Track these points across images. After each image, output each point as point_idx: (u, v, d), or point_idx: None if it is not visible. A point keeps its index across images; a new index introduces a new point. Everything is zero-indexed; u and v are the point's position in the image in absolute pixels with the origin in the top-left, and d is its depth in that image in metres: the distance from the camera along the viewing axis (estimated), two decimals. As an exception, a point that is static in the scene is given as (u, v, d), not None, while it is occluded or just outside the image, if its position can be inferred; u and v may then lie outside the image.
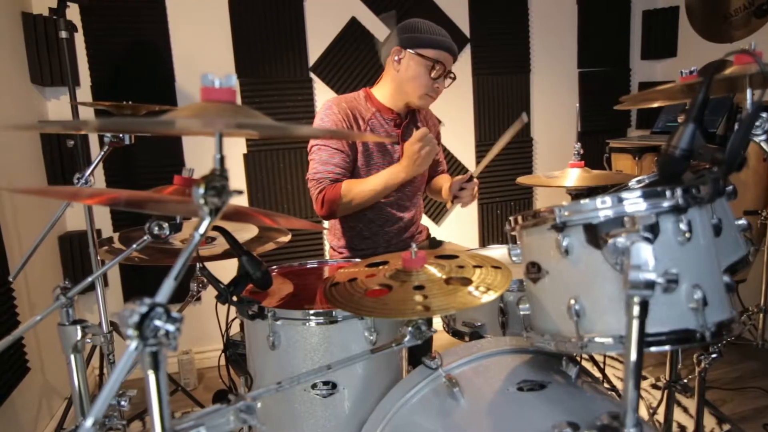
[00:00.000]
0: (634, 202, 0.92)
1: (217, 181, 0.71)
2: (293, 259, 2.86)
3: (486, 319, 1.42)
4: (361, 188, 1.78)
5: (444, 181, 2.16)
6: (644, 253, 0.77)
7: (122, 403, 1.20)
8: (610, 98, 3.44)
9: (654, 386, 2.47)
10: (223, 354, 1.53)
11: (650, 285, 0.75)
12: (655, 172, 2.65)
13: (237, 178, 2.79)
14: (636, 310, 0.77)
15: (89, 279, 1.03)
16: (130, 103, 1.61)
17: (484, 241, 3.40)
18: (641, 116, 3.61)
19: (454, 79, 1.90)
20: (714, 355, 1.51)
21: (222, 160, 0.73)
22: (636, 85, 3.58)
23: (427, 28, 1.85)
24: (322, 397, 1.23)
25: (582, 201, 0.96)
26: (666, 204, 0.90)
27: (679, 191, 0.91)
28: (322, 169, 1.80)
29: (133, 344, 0.65)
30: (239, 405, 0.78)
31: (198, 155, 2.78)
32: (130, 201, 1.12)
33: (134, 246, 1.06)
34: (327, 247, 3.05)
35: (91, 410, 0.63)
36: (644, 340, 0.79)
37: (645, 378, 2.54)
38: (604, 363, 2.19)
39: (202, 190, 0.70)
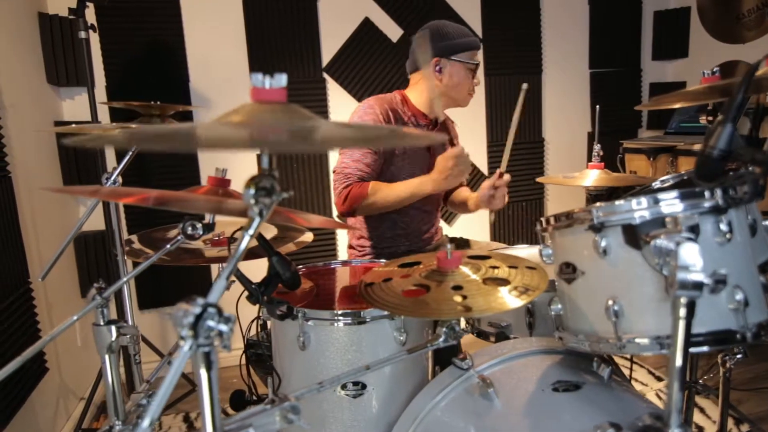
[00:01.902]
0: (670, 203, 0.92)
1: (266, 181, 0.71)
2: (305, 259, 2.87)
3: (512, 319, 1.42)
4: (387, 193, 1.77)
5: (466, 193, 2.15)
6: (692, 253, 0.76)
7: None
8: (622, 99, 3.47)
9: (670, 387, 2.46)
10: (243, 354, 1.54)
11: (698, 286, 0.75)
12: (672, 172, 2.64)
13: (250, 179, 2.79)
14: (683, 311, 0.77)
15: (125, 279, 1.03)
16: (158, 103, 1.61)
17: (495, 238, 3.40)
18: (652, 117, 3.61)
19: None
20: (739, 356, 1.51)
21: (271, 159, 0.73)
22: (647, 86, 3.58)
23: (457, 31, 1.88)
24: (352, 397, 1.23)
25: (617, 202, 0.96)
26: (707, 204, 0.90)
27: (719, 192, 0.91)
28: (352, 164, 1.79)
29: (187, 345, 0.65)
30: (285, 405, 0.78)
31: (210, 153, 2.78)
32: (160, 200, 1.12)
33: (168, 246, 1.06)
34: (340, 248, 3.07)
35: (148, 411, 0.63)
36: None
37: (660, 379, 2.54)
38: (632, 368, 2.19)
39: (252, 191, 0.70)
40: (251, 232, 0.72)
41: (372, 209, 1.80)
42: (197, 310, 0.65)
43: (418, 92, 1.93)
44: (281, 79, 0.70)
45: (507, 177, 1.87)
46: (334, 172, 1.86)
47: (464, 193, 2.17)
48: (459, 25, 1.91)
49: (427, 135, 1.86)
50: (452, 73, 1.87)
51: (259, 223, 0.72)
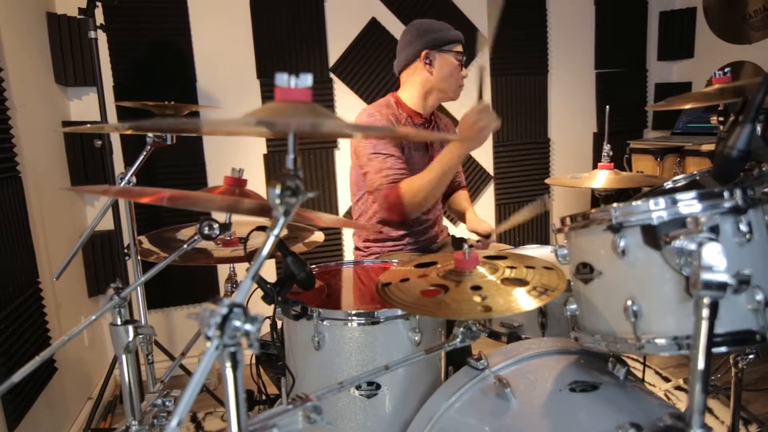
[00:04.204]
0: (689, 204, 0.92)
1: (291, 181, 0.71)
2: (311, 259, 2.86)
3: (524, 319, 1.42)
4: (422, 180, 1.71)
5: (463, 200, 2.22)
6: (716, 254, 0.76)
7: (167, 403, 1.20)
8: (627, 99, 3.47)
9: (678, 388, 2.46)
10: (252, 354, 1.54)
11: (722, 286, 0.75)
12: (680, 173, 2.63)
13: (257, 179, 2.79)
14: (706, 311, 0.77)
15: (142, 279, 1.03)
16: (172, 103, 1.62)
17: (501, 241, 3.39)
18: (657, 117, 3.61)
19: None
20: (751, 356, 1.51)
21: (295, 160, 0.73)
22: (653, 86, 3.57)
23: (441, 25, 1.91)
24: (366, 397, 1.23)
25: (635, 202, 0.96)
26: (726, 205, 0.90)
27: (738, 192, 0.91)
28: (377, 177, 1.78)
29: (214, 345, 0.65)
30: (308, 405, 0.78)
31: (217, 154, 2.78)
32: (178, 200, 1.12)
33: (185, 246, 1.06)
34: (346, 248, 3.07)
35: (177, 411, 0.63)
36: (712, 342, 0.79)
37: (668, 380, 2.54)
38: (644, 370, 2.19)
39: (278, 191, 0.70)
40: (276, 231, 0.72)
41: (420, 202, 1.73)
42: (224, 310, 0.65)
43: (410, 91, 1.94)
44: (307, 79, 0.70)
45: (493, 239, 2.03)
46: (369, 193, 1.87)
47: (464, 203, 2.21)
48: (443, 21, 1.94)
49: (432, 134, 1.91)
50: (442, 64, 1.88)
51: (284, 222, 0.72)
